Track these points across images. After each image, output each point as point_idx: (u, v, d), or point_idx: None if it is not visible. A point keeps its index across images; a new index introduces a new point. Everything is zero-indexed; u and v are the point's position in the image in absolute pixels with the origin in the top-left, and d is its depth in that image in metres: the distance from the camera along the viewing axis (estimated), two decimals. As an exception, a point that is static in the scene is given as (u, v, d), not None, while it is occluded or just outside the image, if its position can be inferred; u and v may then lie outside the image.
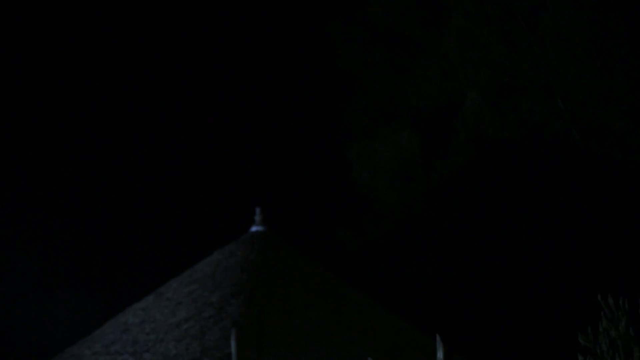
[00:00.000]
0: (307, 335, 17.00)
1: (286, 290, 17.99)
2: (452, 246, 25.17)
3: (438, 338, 9.23)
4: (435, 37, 26.03)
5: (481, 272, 24.51)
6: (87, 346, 19.24)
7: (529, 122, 24.47)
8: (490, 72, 24.55)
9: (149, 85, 28.90)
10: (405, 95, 26.49)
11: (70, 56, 28.62)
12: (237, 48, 29.46)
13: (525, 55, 24.01)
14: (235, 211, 22.83)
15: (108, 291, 25.66)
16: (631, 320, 10.88)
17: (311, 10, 28.28)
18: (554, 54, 23.43)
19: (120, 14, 28.91)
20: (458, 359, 17.43)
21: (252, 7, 29.39)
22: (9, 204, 26.80)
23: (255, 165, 28.71)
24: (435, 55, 25.95)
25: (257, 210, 19.63)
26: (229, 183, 28.37)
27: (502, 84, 24.65)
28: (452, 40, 25.10)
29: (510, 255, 24.37)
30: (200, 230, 26.96)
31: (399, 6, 26.75)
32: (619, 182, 23.41)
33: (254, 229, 19.55)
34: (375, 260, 26.43)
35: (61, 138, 28.16)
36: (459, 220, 25.34)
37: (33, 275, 26.10)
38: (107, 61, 29.02)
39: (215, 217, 27.08)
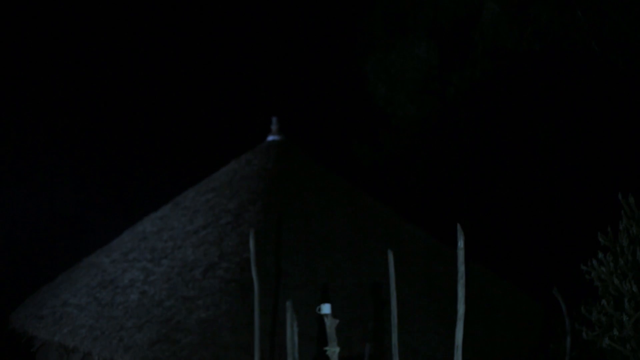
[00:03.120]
0: (325, 242, 17.02)
1: (304, 197, 17.95)
2: (469, 159, 25.05)
3: (459, 227, 9.18)
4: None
5: (498, 182, 24.43)
6: (105, 254, 19.40)
7: (547, 34, 24.08)
8: (509, -18, 24.13)
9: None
10: (423, 7, 26.08)
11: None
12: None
13: (545, -36, 23.54)
14: (252, 121, 22.71)
15: (126, 202, 25.72)
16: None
17: None
18: (574, -37, 22.96)
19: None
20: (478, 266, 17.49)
21: None
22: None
23: (272, 76, 28.42)
24: (453, -35, 25.50)
25: (274, 119, 19.50)
26: (246, 93, 28.16)
27: (520, -5, 24.25)
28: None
29: (528, 164, 24.25)
30: (216, 140, 26.87)
31: None
32: (638, 93, 23.10)
33: (270, 138, 19.46)
34: (391, 174, 26.36)
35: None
36: (476, 133, 25.17)
37: (50, 184, 26.18)
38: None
39: (231, 128, 26.97)
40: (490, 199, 24.00)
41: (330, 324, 10.85)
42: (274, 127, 19.42)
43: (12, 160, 26.16)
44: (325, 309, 10.85)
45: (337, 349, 10.78)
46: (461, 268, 9.20)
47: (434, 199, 25.02)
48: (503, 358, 15.83)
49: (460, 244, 9.22)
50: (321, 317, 12.46)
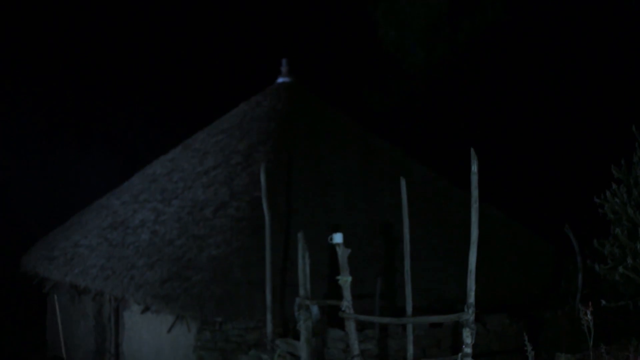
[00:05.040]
0: (336, 182, 16.94)
1: (314, 138, 17.84)
2: (479, 103, 24.88)
3: (472, 151, 9.06)
4: None
5: (508, 124, 24.29)
6: (116, 197, 19.42)
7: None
8: None
9: None
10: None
11: None
12: None
13: None
14: (261, 65, 22.50)
15: (136, 145, 25.67)
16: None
17: None
18: None
19: None
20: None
21: None
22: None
23: (282, 19, 28.11)
24: None
25: (284, 61, 19.32)
26: (256, 35, 27.89)
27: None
28: None
29: (538, 105, 24.08)
30: (226, 83, 26.71)
31: None
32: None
33: (280, 80, 19.30)
34: (401, 120, 26.19)
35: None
36: (486, 78, 24.96)
37: (61, 128, 26.18)
38: None
39: (241, 70, 26.76)
40: (500, 141, 23.84)
41: (342, 254, 10.82)
42: (283, 69, 19.25)
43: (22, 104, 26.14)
44: (337, 238, 10.81)
45: (349, 278, 10.75)
46: (474, 192, 9.10)
47: (444, 143, 24.88)
48: (515, 298, 15.81)
49: (474, 168, 9.11)
50: (332, 254, 12.45)
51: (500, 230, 17.75)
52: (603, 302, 11.11)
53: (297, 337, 12.48)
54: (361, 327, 12.80)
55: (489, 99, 24.73)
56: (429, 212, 17.15)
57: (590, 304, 7.92)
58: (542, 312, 14.81)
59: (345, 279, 10.72)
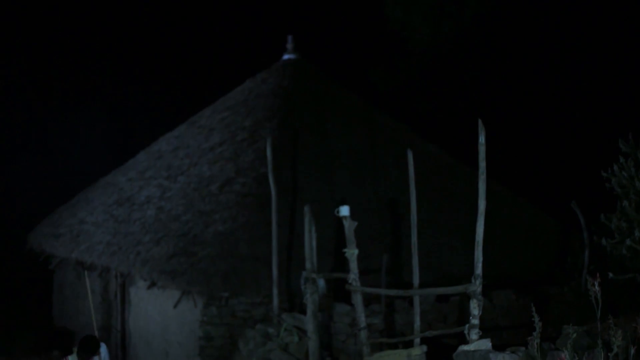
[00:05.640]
0: (342, 158, 16.92)
1: (320, 114, 17.79)
2: (485, 82, 24.78)
3: (480, 123, 9.00)
4: None
5: (514, 101, 24.21)
6: (122, 174, 19.41)
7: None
8: None
9: None
10: None
11: None
12: None
13: None
14: (267, 42, 22.40)
15: (141, 123, 25.61)
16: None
17: None
18: None
19: None
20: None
21: None
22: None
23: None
24: None
25: (289, 38, 19.25)
26: (261, 12, 27.76)
27: None
28: None
29: (544, 81, 23.98)
30: (231, 60, 26.60)
31: None
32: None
33: (285, 57, 19.23)
34: (407, 100, 26.11)
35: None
36: (492, 56, 24.85)
37: (67, 108, 26.14)
38: None
39: (247, 47, 26.65)
40: (506, 119, 23.77)
41: (349, 226, 10.78)
42: (289, 45, 19.18)
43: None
44: (344, 210, 10.77)
45: (356, 251, 10.72)
46: (482, 164, 9.04)
47: (449, 122, 24.82)
48: (521, 275, 15.79)
49: (482, 139, 9.05)
50: (339, 228, 12.43)
51: (507, 207, 17.72)
52: (610, 274, 11.07)
53: (303, 311, 12.48)
54: (367, 302, 12.80)
55: (495, 76, 24.62)
56: (435, 188, 17.13)
57: (597, 275, 7.88)
58: (549, 288, 14.80)
59: (352, 252, 10.70)
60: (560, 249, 16.37)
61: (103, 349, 9.81)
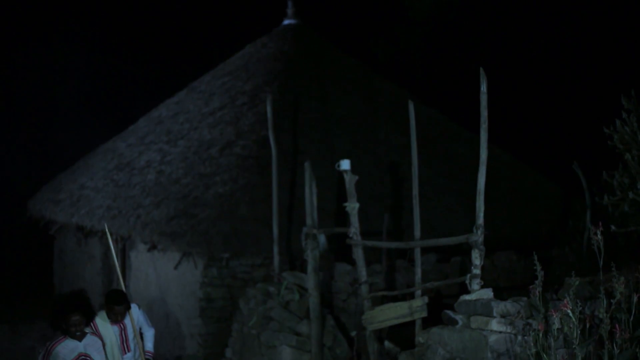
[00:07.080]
0: (342, 122, 16.85)
1: (320, 79, 17.70)
2: (486, 50, 24.63)
3: (481, 71, 8.91)
4: None
5: (515, 66, 24.08)
6: (122, 140, 19.35)
7: None
8: None
9: None
10: None
11: None
12: None
13: None
14: (267, 7, 22.27)
15: (140, 89, 25.53)
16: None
17: None
18: None
19: None
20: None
21: None
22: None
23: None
24: None
25: (289, 3, 19.13)
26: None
27: None
28: None
29: (545, 47, 23.86)
30: (231, 25, 26.46)
31: None
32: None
33: (286, 22, 19.13)
34: (407, 70, 25.97)
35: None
36: (494, 24, 24.69)
37: (66, 75, 26.06)
38: None
39: (247, 12, 26.50)
40: (507, 85, 23.64)
41: (350, 180, 10.70)
42: (289, 10, 19.07)
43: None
44: (344, 164, 10.69)
45: (357, 205, 10.64)
46: (484, 113, 8.94)
47: (450, 91, 24.70)
48: (522, 239, 15.76)
49: (483, 88, 8.95)
50: (340, 188, 12.37)
51: (507, 172, 17.68)
52: (612, 227, 10.99)
53: (304, 272, 12.43)
54: (368, 263, 12.74)
55: (496, 45, 24.48)
56: (436, 153, 17.08)
57: (600, 224, 7.80)
58: (550, 251, 14.74)
59: (352, 206, 10.61)
60: (561, 212, 16.32)
61: (135, 309, 9.34)
